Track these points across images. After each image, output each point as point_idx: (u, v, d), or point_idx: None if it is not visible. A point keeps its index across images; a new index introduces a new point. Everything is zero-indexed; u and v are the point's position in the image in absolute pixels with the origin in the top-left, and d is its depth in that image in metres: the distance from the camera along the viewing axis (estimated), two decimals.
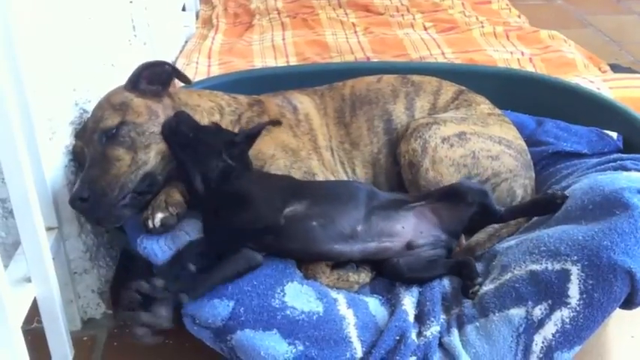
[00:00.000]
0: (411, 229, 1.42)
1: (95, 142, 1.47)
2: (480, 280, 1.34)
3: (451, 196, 1.45)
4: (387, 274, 1.42)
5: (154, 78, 1.56)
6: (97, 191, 1.41)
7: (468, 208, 1.44)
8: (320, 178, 1.57)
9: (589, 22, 3.73)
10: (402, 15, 3.34)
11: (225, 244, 1.33)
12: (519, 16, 3.36)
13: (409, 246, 1.41)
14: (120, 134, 1.46)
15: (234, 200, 1.36)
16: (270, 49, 2.92)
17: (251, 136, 1.48)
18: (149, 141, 1.48)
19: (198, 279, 1.27)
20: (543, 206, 1.45)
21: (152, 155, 1.48)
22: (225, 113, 1.64)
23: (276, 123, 1.53)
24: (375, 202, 1.42)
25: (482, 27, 3.08)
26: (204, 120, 1.59)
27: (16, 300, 1.27)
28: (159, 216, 1.39)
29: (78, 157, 1.52)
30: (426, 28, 3.12)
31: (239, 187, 1.39)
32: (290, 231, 1.34)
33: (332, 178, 1.61)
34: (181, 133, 1.45)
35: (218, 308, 1.25)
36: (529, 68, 2.57)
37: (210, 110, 1.62)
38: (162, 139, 1.49)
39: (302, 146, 1.64)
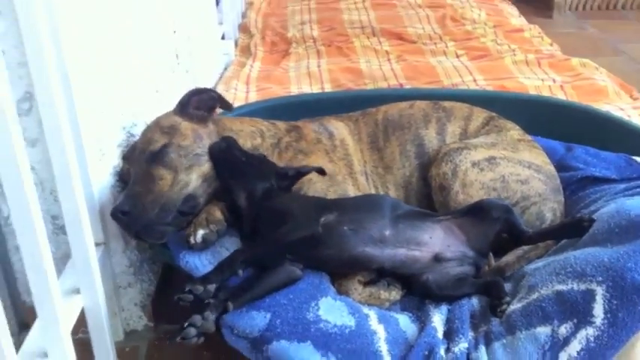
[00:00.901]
0: (439, 241, 1.46)
1: (141, 161, 1.54)
2: (508, 299, 1.38)
3: (476, 211, 1.50)
4: (417, 291, 1.47)
5: (201, 104, 1.64)
6: (138, 207, 1.47)
7: (493, 224, 1.48)
8: None
9: (621, 50, 3.75)
10: (435, 43, 3.39)
11: (267, 256, 1.40)
12: (551, 44, 3.39)
13: (437, 258, 1.45)
14: (164, 155, 1.54)
15: (275, 215, 1.45)
16: (306, 76, 3.00)
17: (302, 173, 1.58)
18: (191, 163, 1.55)
19: (243, 289, 1.34)
20: (571, 229, 1.48)
21: (194, 177, 1.55)
22: (265, 137, 1.71)
23: (321, 172, 1.60)
24: (400, 211, 1.49)
25: (514, 55, 3.12)
26: (247, 144, 1.66)
27: (66, 310, 1.34)
28: (200, 232, 1.46)
29: (124, 178, 1.60)
30: (458, 56, 3.17)
31: (279, 204, 1.49)
32: (326, 238, 1.41)
33: None
34: (234, 155, 1.55)
35: (256, 319, 1.31)
36: (560, 95, 2.60)
37: (251, 134, 1.69)
38: (204, 162, 1.57)
39: (338, 171, 1.70)
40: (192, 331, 1.28)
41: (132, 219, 1.47)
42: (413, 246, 1.45)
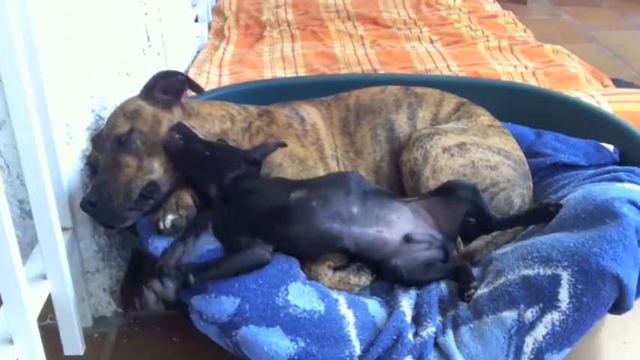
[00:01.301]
0: (407, 222, 1.47)
1: (108, 148, 1.53)
2: (475, 283, 1.40)
3: (444, 192, 1.51)
4: (387, 276, 1.48)
5: (169, 87, 1.62)
6: (105, 196, 1.46)
7: (461, 205, 1.49)
8: None
9: (594, 38, 3.79)
10: (410, 28, 3.39)
11: (236, 237, 1.40)
12: (525, 31, 3.41)
13: (406, 239, 1.46)
14: (129, 141, 1.52)
15: (246, 193, 1.46)
16: (280, 60, 2.98)
17: (267, 152, 1.58)
18: (152, 151, 1.53)
19: (208, 266, 1.34)
20: (538, 215, 1.50)
21: (156, 166, 1.53)
22: (236, 121, 1.70)
23: (282, 145, 1.60)
24: (367, 188, 1.50)
25: (488, 41, 3.13)
26: (215, 128, 1.65)
27: (32, 296, 1.33)
28: (169, 217, 1.45)
29: (93, 166, 1.58)
30: (432, 42, 3.17)
31: (250, 186, 1.49)
32: (295, 212, 1.42)
33: None
34: (195, 150, 1.52)
35: (225, 304, 1.31)
36: (532, 82, 2.62)
37: (221, 118, 1.68)
38: (162, 150, 1.54)
39: (309, 156, 1.70)
40: (152, 296, 1.27)
41: (99, 209, 1.46)
42: (381, 226, 1.45)
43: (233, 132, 1.67)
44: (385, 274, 1.48)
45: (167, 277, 1.29)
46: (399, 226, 1.46)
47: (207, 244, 1.42)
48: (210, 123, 1.65)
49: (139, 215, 1.50)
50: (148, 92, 1.61)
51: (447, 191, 1.51)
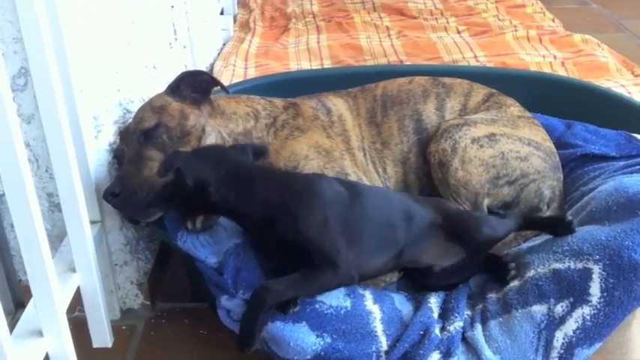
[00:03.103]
0: (435, 257, 1.43)
1: (134, 141, 1.53)
2: (513, 265, 1.38)
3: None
4: (420, 287, 1.46)
5: (196, 86, 1.61)
6: (128, 188, 1.46)
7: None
8: (352, 177, 1.61)
9: (624, 27, 3.72)
10: (436, 19, 3.37)
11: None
12: (553, 20, 3.37)
13: (431, 268, 1.44)
14: (154, 135, 1.52)
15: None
16: (305, 52, 2.98)
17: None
18: (177, 146, 1.53)
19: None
20: (555, 225, 1.44)
21: None
22: (260, 117, 1.69)
23: (264, 150, 1.55)
24: (415, 228, 1.40)
25: (516, 30, 3.09)
26: (238, 128, 1.64)
27: (61, 288, 1.34)
28: (200, 218, 1.44)
29: (119, 159, 1.59)
30: (459, 32, 3.15)
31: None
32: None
33: (364, 178, 1.65)
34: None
35: None
36: (561, 72, 2.59)
37: (245, 117, 1.67)
38: (190, 144, 1.53)
39: (335, 147, 1.69)
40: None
41: (122, 201, 1.46)
42: (408, 264, 1.43)
43: (257, 130, 1.66)
44: (417, 284, 1.47)
45: None
46: (427, 262, 1.43)
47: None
48: (235, 122, 1.65)
49: (162, 210, 1.50)
50: (174, 89, 1.61)
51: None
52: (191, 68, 2.29)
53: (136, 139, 1.53)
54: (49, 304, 1.24)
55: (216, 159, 1.36)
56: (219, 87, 1.65)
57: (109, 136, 1.58)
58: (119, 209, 1.51)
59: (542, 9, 3.53)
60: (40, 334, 1.27)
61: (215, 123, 1.61)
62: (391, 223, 1.38)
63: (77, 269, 1.45)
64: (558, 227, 1.42)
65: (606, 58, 2.72)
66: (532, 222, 1.53)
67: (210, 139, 1.57)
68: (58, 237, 1.54)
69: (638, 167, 1.61)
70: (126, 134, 1.58)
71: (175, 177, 1.32)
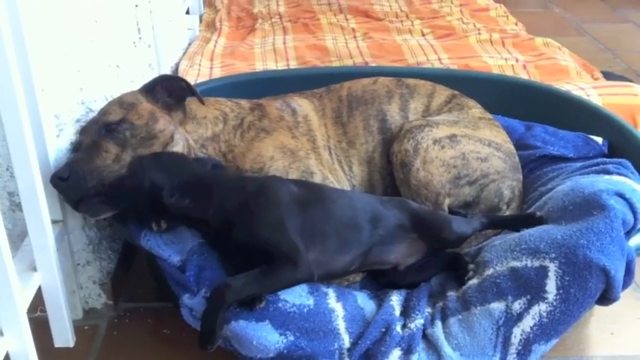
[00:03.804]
0: (401, 256, 1.46)
1: (94, 131, 1.52)
2: (472, 266, 1.41)
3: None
4: (383, 284, 1.49)
5: (172, 91, 1.61)
6: (77, 174, 1.44)
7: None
8: (317, 176, 1.63)
9: (585, 30, 3.79)
10: (402, 21, 3.39)
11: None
12: (516, 24, 3.41)
13: (396, 267, 1.47)
14: (117, 130, 1.51)
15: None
16: (272, 52, 2.98)
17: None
18: (139, 145, 1.52)
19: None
20: (523, 222, 1.50)
21: None
22: (228, 120, 1.69)
23: (222, 167, 1.59)
24: (380, 230, 1.43)
25: (479, 34, 3.13)
26: (207, 132, 1.64)
27: (22, 287, 1.32)
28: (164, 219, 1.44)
29: (76, 150, 1.57)
30: (424, 34, 3.17)
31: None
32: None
33: (329, 176, 1.67)
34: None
35: None
36: (523, 75, 2.62)
37: (214, 121, 1.67)
38: (153, 146, 1.52)
39: (300, 146, 1.70)
40: None
41: (69, 186, 1.44)
42: (376, 265, 1.46)
43: (225, 132, 1.67)
44: (380, 281, 1.49)
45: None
46: (393, 262, 1.46)
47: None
48: (204, 127, 1.65)
49: (112, 210, 1.47)
50: (148, 90, 1.61)
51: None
52: (155, 68, 2.29)
53: (96, 129, 1.52)
54: (9, 303, 1.23)
55: (175, 165, 1.41)
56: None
57: (70, 135, 1.57)
58: (64, 194, 1.47)
59: (505, 13, 3.57)
60: (0, 333, 1.26)
61: (185, 130, 1.61)
62: (356, 224, 1.40)
63: (38, 268, 1.44)
64: (529, 225, 1.46)
65: (567, 62, 2.76)
66: (495, 221, 1.57)
67: (177, 148, 1.57)
68: (19, 236, 1.53)
69: (594, 168, 1.65)
70: (87, 126, 1.56)
71: (132, 177, 1.35)
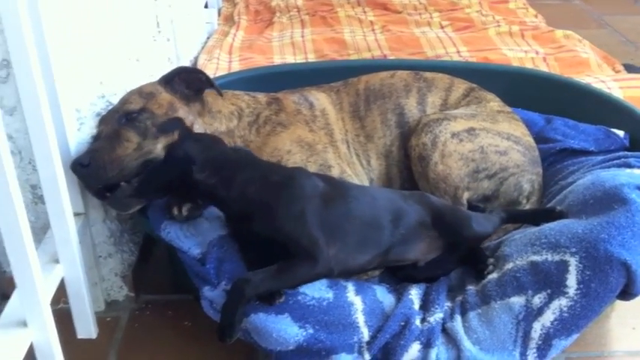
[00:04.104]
0: (421, 254, 1.45)
1: (114, 120, 1.53)
2: (492, 260, 1.41)
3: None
4: (401, 278, 1.48)
5: (190, 83, 1.62)
6: (98, 162, 1.45)
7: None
8: (335, 169, 1.63)
9: (606, 23, 3.76)
10: (420, 13, 3.38)
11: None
12: (536, 16, 3.39)
13: (415, 264, 1.46)
14: (138, 119, 1.52)
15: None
16: (290, 45, 2.98)
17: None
18: (159, 134, 1.53)
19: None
20: (543, 216, 1.49)
21: (159, 147, 1.52)
22: (243, 115, 1.69)
23: None
24: (401, 229, 1.42)
25: (499, 26, 3.11)
26: (222, 127, 1.65)
27: (45, 279, 1.34)
28: (186, 206, 1.45)
29: (96, 140, 1.58)
30: (442, 27, 3.16)
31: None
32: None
33: (347, 170, 1.67)
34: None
35: None
36: (542, 67, 2.61)
37: (229, 116, 1.67)
38: (172, 135, 1.53)
39: (318, 140, 1.70)
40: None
41: (89, 173, 1.46)
42: (393, 263, 1.45)
43: (239, 128, 1.67)
44: (398, 275, 1.49)
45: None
46: (411, 260, 1.46)
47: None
48: (219, 121, 1.66)
49: (142, 203, 1.50)
50: (167, 81, 1.62)
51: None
52: (174, 61, 2.30)
53: (117, 118, 1.53)
54: (32, 295, 1.24)
55: (210, 143, 1.40)
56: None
57: (91, 129, 1.58)
58: (84, 180, 1.48)
59: (525, 5, 3.54)
60: (24, 324, 1.28)
61: (202, 120, 1.62)
62: (377, 224, 1.40)
63: (61, 261, 1.46)
64: (549, 219, 1.44)
65: (587, 54, 2.74)
66: (515, 216, 1.56)
67: None
68: (41, 229, 1.54)
69: (615, 161, 1.63)
70: (107, 115, 1.57)
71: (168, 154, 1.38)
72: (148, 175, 1.40)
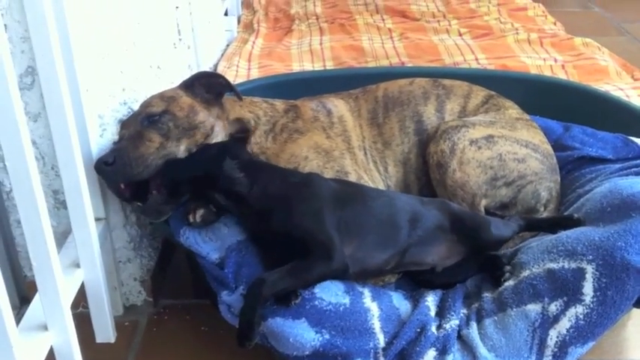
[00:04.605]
0: (439, 258, 1.46)
1: (137, 123, 1.55)
2: (508, 267, 1.41)
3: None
4: (418, 283, 1.49)
5: (210, 87, 1.64)
6: (123, 160, 1.47)
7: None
8: (352, 175, 1.64)
9: (625, 30, 3.74)
10: (438, 21, 3.39)
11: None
12: (555, 24, 3.38)
13: (433, 269, 1.47)
14: (160, 121, 1.54)
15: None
16: (308, 53, 3.00)
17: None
18: (181, 135, 1.55)
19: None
20: (561, 224, 1.49)
21: (182, 148, 1.54)
22: (260, 124, 1.70)
23: None
24: (419, 230, 1.43)
25: (517, 34, 3.11)
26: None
27: (66, 283, 1.36)
28: (200, 212, 1.47)
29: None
30: (461, 34, 3.17)
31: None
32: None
33: (364, 176, 1.68)
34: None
35: None
36: (561, 75, 2.60)
37: (246, 124, 1.69)
38: (194, 136, 1.56)
39: (335, 146, 1.71)
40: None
41: (114, 171, 1.47)
42: (412, 267, 1.46)
43: (255, 136, 1.68)
44: (416, 280, 1.50)
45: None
46: (430, 264, 1.46)
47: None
48: (235, 128, 1.68)
49: (174, 207, 1.51)
50: (187, 86, 1.64)
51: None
52: (195, 69, 2.32)
53: (139, 120, 1.56)
54: (54, 298, 1.27)
55: (235, 144, 1.52)
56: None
57: (113, 135, 1.60)
58: (108, 179, 1.49)
59: (544, 12, 3.54)
60: (44, 328, 1.30)
61: (222, 125, 1.64)
62: (394, 223, 1.41)
63: (81, 265, 1.48)
64: (566, 227, 1.44)
65: (606, 62, 2.73)
66: (533, 223, 1.56)
67: (217, 139, 1.60)
68: (63, 234, 1.57)
69: (633, 169, 1.63)
70: (129, 119, 1.60)
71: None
72: (173, 172, 1.47)
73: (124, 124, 1.60)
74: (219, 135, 1.61)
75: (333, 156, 1.66)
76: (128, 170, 1.47)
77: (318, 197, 1.39)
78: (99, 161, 1.47)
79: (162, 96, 1.61)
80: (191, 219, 1.47)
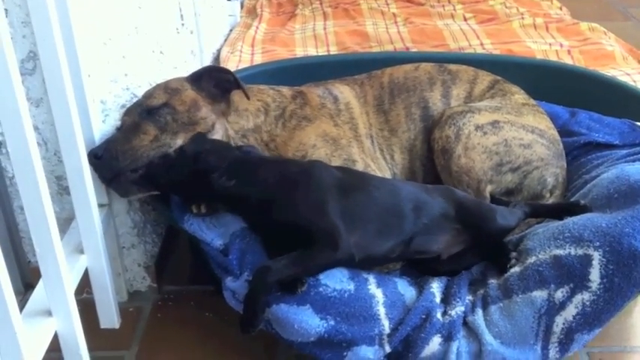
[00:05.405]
0: (444, 247, 1.45)
1: (136, 114, 1.55)
2: (514, 254, 1.40)
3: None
4: (423, 271, 1.48)
5: (218, 83, 1.62)
6: (111, 153, 1.47)
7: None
8: (359, 164, 1.63)
9: (632, 15, 3.71)
10: (443, 6, 3.36)
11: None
12: (560, 8, 3.35)
13: (439, 257, 1.46)
14: (158, 113, 1.53)
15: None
16: (312, 38, 2.98)
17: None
18: (179, 129, 1.54)
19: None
20: (567, 210, 1.47)
21: (178, 142, 1.53)
22: (270, 110, 1.69)
23: None
24: (424, 219, 1.42)
25: (523, 18, 3.08)
26: (249, 124, 1.65)
27: (70, 269, 1.36)
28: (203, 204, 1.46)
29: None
30: (466, 19, 3.14)
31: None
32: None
33: (371, 164, 1.67)
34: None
35: None
36: (567, 60, 2.58)
37: (256, 112, 1.67)
38: (191, 132, 1.54)
39: (342, 135, 1.70)
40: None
41: (102, 164, 1.47)
42: (417, 255, 1.44)
43: (266, 123, 1.67)
44: (420, 268, 1.49)
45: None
46: (436, 252, 1.45)
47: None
48: (245, 119, 1.66)
49: (142, 193, 1.51)
50: (195, 79, 1.63)
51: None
52: (198, 54, 2.31)
53: (139, 112, 1.55)
54: (57, 284, 1.26)
55: (223, 149, 1.45)
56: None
57: (115, 121, 1.59)
58: (97, 172, 1.49)
59: None
60: (49, 313, 1.30)
61: (226, 120, 1.63)
62: (398, 211, 1.40)
63: (85, 251, 1.48)
64: (572, 213, 1.43)
65: (612, 47, 2.71)
66: (539, 210, 1.55)
67: (217, 136, 1.58)
68: (66, 220, 1.56)
69: None
70: (131, 107, 1.59)
71: (182, 158, 1.41)
72: (153, 168, 1.45)
73: (127, 112, 1.59)
74: (220, 131, 1.60)
75: (341, 144, 1.65)
76: (115, 164, 1.47)
77: (321, 186, 1.38)
78: (90, 153, 1.46)
79: (166, 87, 1.59)
80: (195, 210, 1.46)
